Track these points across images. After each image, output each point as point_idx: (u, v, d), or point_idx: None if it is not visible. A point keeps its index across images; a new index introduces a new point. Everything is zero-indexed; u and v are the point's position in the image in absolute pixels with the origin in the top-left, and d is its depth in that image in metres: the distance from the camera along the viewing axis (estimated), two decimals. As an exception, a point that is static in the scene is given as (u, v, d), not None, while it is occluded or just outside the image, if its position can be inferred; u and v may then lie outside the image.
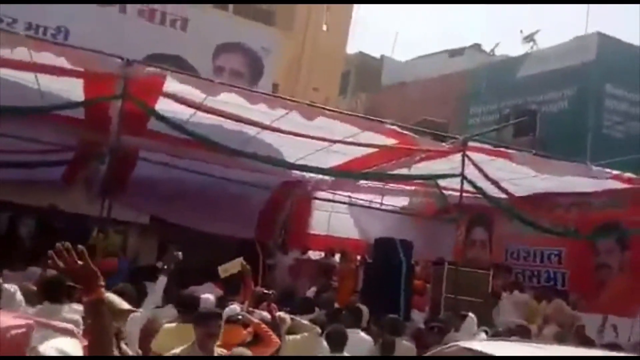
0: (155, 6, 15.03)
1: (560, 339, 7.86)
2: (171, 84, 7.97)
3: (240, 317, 5.15)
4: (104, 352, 1.77)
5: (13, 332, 1.41)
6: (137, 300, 5.55)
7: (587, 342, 7.98)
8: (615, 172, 10.31)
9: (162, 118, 8.51)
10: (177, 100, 8.26)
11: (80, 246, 1.86)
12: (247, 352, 4.44)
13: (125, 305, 3.74)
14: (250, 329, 5.09)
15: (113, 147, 8.67)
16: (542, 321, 9.49)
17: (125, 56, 7.88)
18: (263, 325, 5.19)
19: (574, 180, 10.18)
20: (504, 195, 10.56)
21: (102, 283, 1.89)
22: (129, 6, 14.71)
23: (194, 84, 8.06)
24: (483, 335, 7.27)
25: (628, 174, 10.26)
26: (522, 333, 7.96)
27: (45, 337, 1.70)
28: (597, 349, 7.43)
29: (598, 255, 11.31)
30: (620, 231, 10.76)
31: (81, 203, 10.52)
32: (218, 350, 4.35)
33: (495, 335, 7.18)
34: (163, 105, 8.50)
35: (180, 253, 6.47)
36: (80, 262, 1.84)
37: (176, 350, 4.29)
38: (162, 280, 6.06)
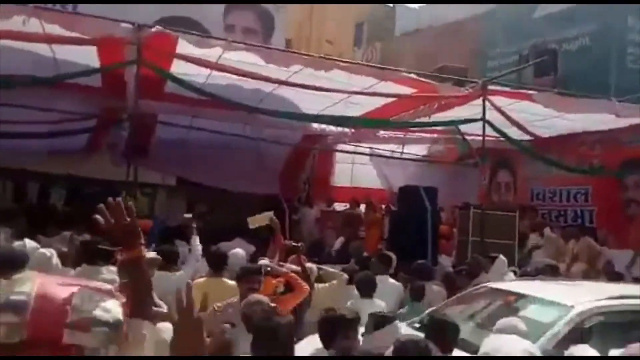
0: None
1: (588, 276, 7.92)
2: (184, 46, 7.92)
3: (269, 268, 5.25)
4: (145, 310, 1.81)
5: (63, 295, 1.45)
6: (172, 260, 5.72)
7: (616, 278, 8.01)
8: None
9: (178, 81, 8.52)
10: (191, 61, 8.23)
11: (130, 203, 1.90)
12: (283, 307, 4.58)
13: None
14: (280, 279, 5.19)
15: (132, 112, 8.72)
16: (571, 259, 9.51)
17: (135, 21, 7.85)
18: (292, 274, 5.29)
19: (598, 118, 10.00)
20: (527, 137, 10.43)
21: (143, 241, 1.93)
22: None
23: (207, 44, 7.99)
24: (511, 275, 7.32)
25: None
26: (550, 272, 8.01)
27: (89, 298, 1.75)
28: (625, 283, 7.52)
29: (626, 191, 11.20)
30: (648, 167, 10.62)
31: (107, 169, 10.67)
32: None
33: (523, 274, 7.24)
34: (178, 68, 8.49)
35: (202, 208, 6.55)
36: (128, 219, 1.88)
37: (219, 304, 4.38)
38: (195, 238, 6.18)
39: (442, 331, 4.06)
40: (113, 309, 1.48)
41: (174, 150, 10.99)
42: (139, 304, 1.73)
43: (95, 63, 8.41)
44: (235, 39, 14.39)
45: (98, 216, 1.85)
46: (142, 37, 7.84)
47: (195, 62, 8.29)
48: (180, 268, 5.88)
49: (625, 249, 10.13)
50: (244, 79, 8.61)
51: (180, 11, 14.37)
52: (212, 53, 8.04)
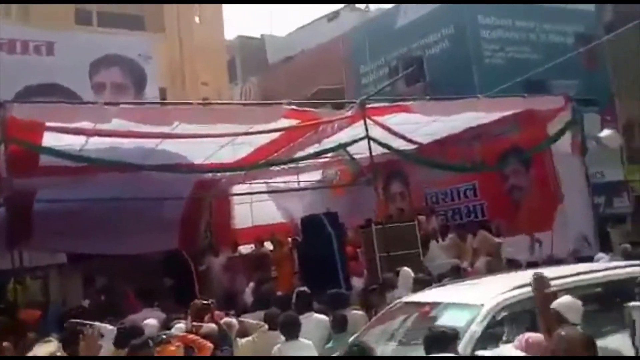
0: (15, 36, 14.04)
1: (490, 268, 8.33)
2: (52, 118, 7.56)
3: (164, 336, 5.15)
4: None
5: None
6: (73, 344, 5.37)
7: (513, 264, 8.48)
8: (502, 99, 10.90)
9: (52, 152, 8.09)
10: (63, 132, 7.86)
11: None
12: None
13: None
14: (178, 344, 5.10)
15: (6, 194, 8.15)
16: (472, 255, 9.97)
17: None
18: (190, 336, 5.28)
19: (470, 115, 10.61)
20: (412, 146, 10.87)
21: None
22: (-15, 44, 13.69)
23: (78, 113, 7.67)
24: None
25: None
26: (453, 273, 8.36)
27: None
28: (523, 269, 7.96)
29: (507, 179, 11.96)
30: (522, 153, 11.40)
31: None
32: None
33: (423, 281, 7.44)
34: (50, 140, 8.05)
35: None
36: None
37: None
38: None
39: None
40: None
41: (59, 225, 10.34)
42: None
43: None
44: (106, 96, 14.05)
45: None
46: (5, 114, 7.40)
47: (67, 132, 7.93)
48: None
49: (518, 234, 10.81)
50: (124, 141, 8.32)
51: (43, 78, 13.72)
52: (86, 123, 7.72)
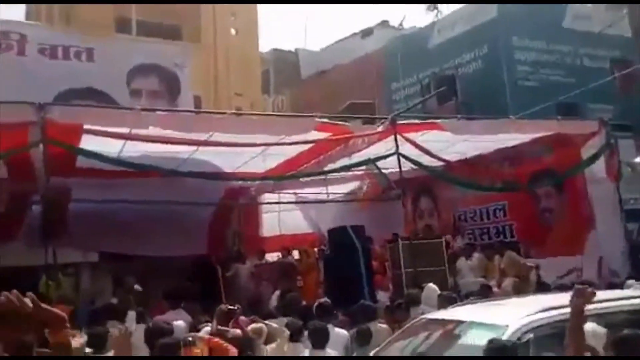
0: (56, 42, 14.49)
1: (517, 290, 8.25)
2: (90, 121, 7.79)
3: (190, 339, 5.20)
4: None
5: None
6: (100, 343, 5.50)
7: (544, 288, 8.38)
8: (535, 121, 10.85)
9: (89, 153, 8.31)
10: (99, 134, 8.08)
11: (29, 293, 1.83)
12: None
13: None
14: (201, 347, 5.16)
15: (43, 192, 8.38)
16: (499, 275, 9.88)
17: (34, 100, 7.63)
18: (215, 339, 5.31)
19: (502, 136, 10.59)
20: (441, 163, 10.87)
21: (68, 325, 1.87)
22: (27, 47, 14.13)
23: (115, 118, 7.88)
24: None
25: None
26: (482, 292, 8.29)
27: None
28: (550, 293, 7.87)
29: (539, 201, 11.85)
30: (554, 176, 11.30)
31: (24, 255, 10.11)
32: None
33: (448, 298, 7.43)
34: (87, 144, 8.29)
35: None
36: (30, 305, 1.80)
37: None
38: (132, 315, 5.97)
39: None
40: None
41: (93, 224, 10.61)
42: None
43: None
44: (142, 103, 14.35)
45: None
46: (46, 116, 7.64)
47: (103, 135, 8.14)
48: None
49: (547, 257, 10.67)
50: (157, 150, 8.50)
51: (82, 83, 14.10)
52: (121, 128, 7.93)
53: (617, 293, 6.43)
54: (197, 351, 5.10)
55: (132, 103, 14.02)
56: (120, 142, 8.51)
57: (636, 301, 5.39)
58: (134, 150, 8.54)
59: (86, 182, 9.73)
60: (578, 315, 3.83)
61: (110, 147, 8.48)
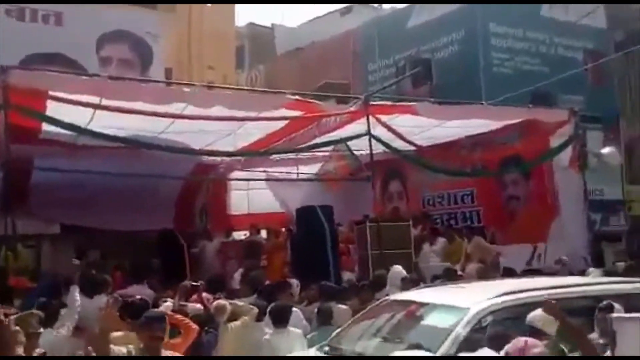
0: (24, 4, 14.01)
1: (481, 275, 8.34)
2: (57, 88, 7.53)
3: None
4: None
5: None
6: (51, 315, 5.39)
7: (508, 273, 8.50)
8: (507, 107, 10.93)
9: (55, 121, 8.06)
10: (68, 102, 7.83)
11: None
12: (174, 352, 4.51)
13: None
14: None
15: (3, 160, 8.13)
16: (464, 259, 9.99)
17: (-1, 63, 7.37)
18: (177, 316, 5.27)
19: (474, 122, 10.62)
20: (412, 147, 10.87)
21: None
22: (-6, 6, 13.66)
23: (82, 85, 7.64)
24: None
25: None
26: (447, 275, 8.39)
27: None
28: (515, 277, 8.00)
29: (506, 188, 11.98)
30: (522, 164, 11.42)
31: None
32: (168, 353, 4.38)
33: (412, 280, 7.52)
34: (53, 111, 8.03)
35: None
36: None
37: (122, 349, 4.25)
38: (74, 289, 5.85)
39: None
40: None
41: (56, 195, 10.37)
42: None
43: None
44: (112, 71, 14.01)
45: None
46: (8, 80, 7.38)
47: (70, 102, 7.89)
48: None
49: (512, 243, 10.83)
50: (124, 127, 8.28)
51: (49, 47, 13.68)
52: (91, 97, 7.69)
53: (569, 280, 6.62)
54: None
55: (101, 71, 13.68)
56: (88, 113, 8.26)
57: (588, 288, 5.53)
58: (103, 125, 8.31)
59: (50, 150, 9.48)
60: (562, 322, 3.87)
61: (78, 119, 8.23)
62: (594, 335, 4.46)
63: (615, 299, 4.68)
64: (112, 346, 4.17)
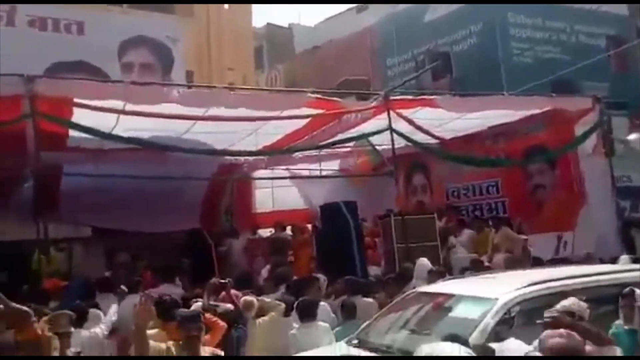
0: (46, 13, 14.27)
1: (509, 265, 8.30)
2: (82, 95, 7.69)
3: None
4: None
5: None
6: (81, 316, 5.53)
7: (537, 263, 8.45)
8: (529, 97, 10.85)
9: (81, 127, 8.23)
10: (93, 109, 7.98)
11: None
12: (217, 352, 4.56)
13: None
14: None
15: (34, 167, 8.33)
16: (491, 250, 9.94)
17: (23, 72, 7.52)
18: (207, 315, 5.30)
19: (497, 113, 10.55)
20: (434, 140, 10.84)
21: (34, 319, 1.85)
22: (17, 18, 13.92)
23: (106, 91, 7.78)
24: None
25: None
26: (474, 266, 8.37)
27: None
28: (543, 267, 7.95)
29: (532, 178, 11.88)
30: (548, 153, 11.31)
31: (15, 230, 10.08)
32: (206, 349, 4.43)
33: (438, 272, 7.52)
34: (80, 117, 8.20)
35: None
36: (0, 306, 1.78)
37: (162, 346, 4.33)
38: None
39: None
40: None
41: (85, 199, 10.56)
42: None
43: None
44: (134, 77, 14.21)
45: None
46: (35, 89, 7.54)
47: (94, 109, 8.05)
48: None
49: (539, 232, 10.73)
50: (148, 130, 8.41)
51: (72, 56, 13.92)
52: (114, 102, 7.84)
53: (596, 268, 6.55)
54: None
55: (123, 77, 13.88)
56: (113, 119, 8.42)
57: (616, 275, 5.47)
58: (127, 129, 8.46)
59: (78, 156, 9.66)
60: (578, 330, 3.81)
61: (103, 124, 8.40)
62: (618, 322, 4.45)
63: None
64: (151, 342, 4.25)
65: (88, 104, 7.90)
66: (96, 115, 8.14)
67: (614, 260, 8.26)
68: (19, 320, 1.84)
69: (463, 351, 3.32)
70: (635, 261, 7.49)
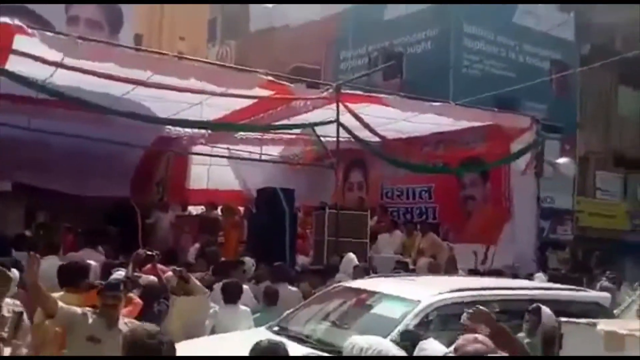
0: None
1: (432, 270, 8.55)
2: (21, 43, 7.27)
3: (97, 284, 5.06)
4: None
5: None
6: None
7: (455, 271, 8.74)
8: (474, 109, 11.16)
9: (15, 77, 7.80)
10: (31, 58, 7.57)
11: None
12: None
13: None
14: None
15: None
16: (417, 254, 10.20)
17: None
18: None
19: (440, 120, 10.78)
20: (377, 139, 10.97)
21: None
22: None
23: (49, 41, 7.39)
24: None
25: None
26: (400, 267, 8.56)
27: None
28: (460, 276, 8.23)
29: (464, 188, 12.22)
30: (483, 165, 11.67)
31: None
32: (126, 320, 4.33)
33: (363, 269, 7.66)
34: (15, 65, 7.76)
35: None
36: None
37: (77, 310, 4.24)
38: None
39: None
40: None
41: (9, 152, 10.02)
42: None
43: None
44: (79, 32, 13.58)
45: None
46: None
47: (35, 59, 7.63)
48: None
49: (464, 242, 11.07)
50: (89, 82, 8.06)
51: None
52: (54, 53, 7.46)
53: (514, 282, 6.87)
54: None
55: (68, 30, 13.24)
56: (50, 69, 8.01)
57: (531, 292, 5.74)
58: (66, 79, 8.07)
59: (10, 107, 9.16)
60: (493, 326, 3.94)
61: (40, 72, 7.98)
62: (521, 334, 4.69)
63: (553, 304, 4.90)
64: (61, 304, 4.13)
65: (26, 51, 7.48)
66: (32, 64, 7.73)
67: (529, 277, 8.68)
68: None
69: (392, 346, 3.39)
70: (551, 279, 7.88)
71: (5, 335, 4.44)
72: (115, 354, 3.96)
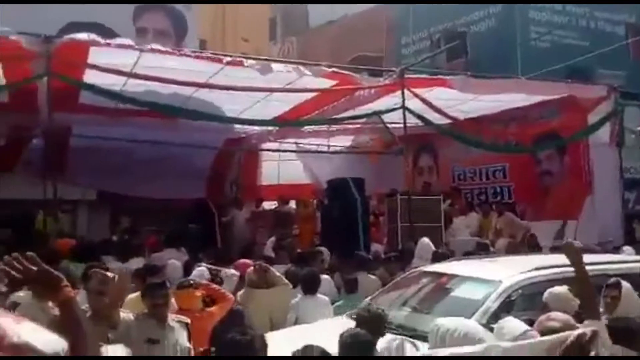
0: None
1: (511, 250, 8.32)
2: (96, 55, 7.65)
3: (191, 282, 5.20)
4: (85, 352, 1.73)
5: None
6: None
7: (537, 249, 8.46)
8: (546, 82, 10.74)
9: (93, 88, 8.22)
10: (104, 70, 7.97)
11: (29, 253, 1.79)
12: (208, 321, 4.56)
13: None
14: (201, 292, 5.12)
15: (46, 126, 8.35)
16: (494, 234, 9.96)
17: (40, 32, 7.49)
18: (213, 286, 5.32)
19: (510, 97, 10.46)
20: (446, 121, 10.78)
21: (66, 282, 1.83)
22: (33, -21, 13.79)
23: (120, 53, 7.74)
24: None
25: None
26: (479, 249, 8.39)
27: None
28: (542, 254, 7.96)
29: (539, 164, 11.79)
30: (560, 139, 11.23)
31: (22, 188, 10.14)
32: (173, 317, 4.35)
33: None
34: (90, 78, 8.19)
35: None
36: (34, 268, 1.77)
37: (130, 316, 4.24)
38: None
39: (370, 321, 4.28)
40: None
41: (93, 162, 10.60)
42: (78, 347, 1.66)
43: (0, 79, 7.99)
44: (148, 42, 14.09)
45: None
46: (51, 49, 7.53)
47: (108, 71, 8.03)
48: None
49: (543, 220, 10.71)
50: (161, 84, 8.39)
51: (87, 17, 13.81)
52: (126, 61, 7.80)
53: (600, 257, 6.55)
54: (197, 294, 5.10)
55: (137, 42, 13.77)
56: (123, 78, 8.40)
57: (623, 265, 5.47)
58: (138, 85, 8.44)
59: (89, 118, 9.67)
60: (578, 267, 3.85)
61: (114, 81, 8.38)
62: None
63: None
64: (120, 312, 4.15)
65: (100, 64, 7.87)
66: (106, 77, 8.12)
67: (616, 251, 8.29)
68: (53, 284, 1.82)
69: (480, 329, 3.33)
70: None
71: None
72: (173, 353, 4.09)
